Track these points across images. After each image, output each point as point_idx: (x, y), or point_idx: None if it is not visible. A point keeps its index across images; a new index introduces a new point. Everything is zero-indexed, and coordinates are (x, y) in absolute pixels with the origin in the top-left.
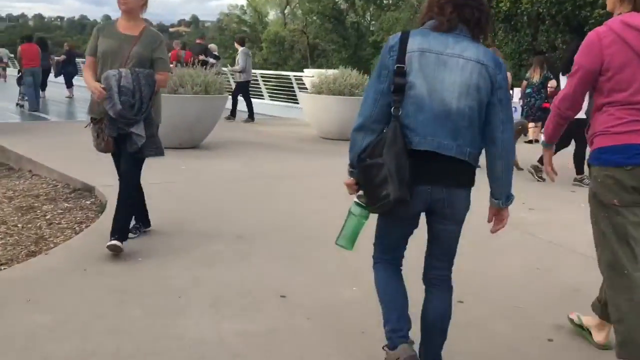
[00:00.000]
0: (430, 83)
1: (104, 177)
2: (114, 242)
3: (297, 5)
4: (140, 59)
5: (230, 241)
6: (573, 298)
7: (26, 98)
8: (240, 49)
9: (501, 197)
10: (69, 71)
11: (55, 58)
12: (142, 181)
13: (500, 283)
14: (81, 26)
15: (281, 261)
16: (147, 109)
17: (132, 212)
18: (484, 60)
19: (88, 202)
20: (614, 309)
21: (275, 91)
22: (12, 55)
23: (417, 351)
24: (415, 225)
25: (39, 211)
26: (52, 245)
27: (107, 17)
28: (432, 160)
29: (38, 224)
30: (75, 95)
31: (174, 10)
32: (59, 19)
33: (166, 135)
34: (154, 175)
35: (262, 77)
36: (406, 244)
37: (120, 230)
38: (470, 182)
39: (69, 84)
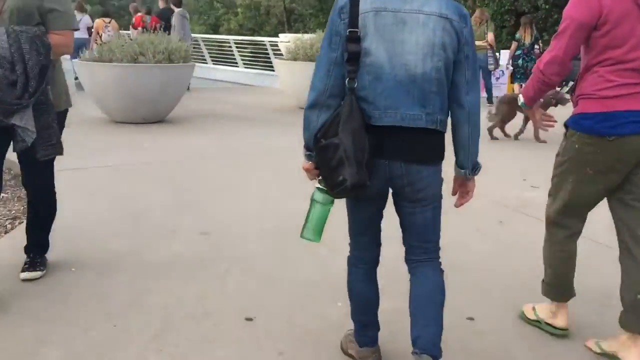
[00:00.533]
0: (389, 47)
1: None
2: (28, 274)
3: None
4: (20, 11)
5: (191, 240)
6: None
7: None
8: (176, 10)
9: (467, 166)
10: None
11: None
12: (93, 163)
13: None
14: None
15: (250, 268)
16: (38, 89)
17: (50, 223)
18: (447, 13)
19: None
20: (547, 255)
21: (250, 59)
22: None
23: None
24: (381, 206)
25: None
26: None
27: None
28: (397, 134)
29: None
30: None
31: None
32: None
33: (128, 110)
34: (110, 155)
35: (235, 43)
36: (379, 233)
37: (36, 246)
38: (442, 156)
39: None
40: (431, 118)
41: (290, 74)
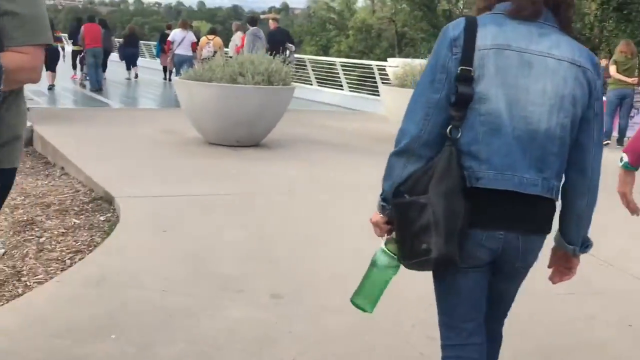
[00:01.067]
0: (510, 94)
1: (135, 182)
2: None
3: None
4: None
5: (258, 304)
6: None
7: (87, 78)
8: (250, 29)
9: (577, 242)
10: (129, 53)
11: (116, 40)
12: (173, 190)
13: None
14: (177, 12)
15: (328, 356)
16: None
17: None
18: (581, 60)
19: (102, 219)
20: None
21: (357, 82)
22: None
23: None
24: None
25: (37, 229)
26: (19, 291)
27: (201, 4)
28: (511, 201)
29: (25, 251)
30: (139, 78)
31: None
32: (157, 5)
33: (223, 131)
34: (193, 182)
35: (342, 66)
36: (482, 313)
37: None
38: (550, 226)
39: (129, 66)
40: (547, 184)
41: (396, 101)
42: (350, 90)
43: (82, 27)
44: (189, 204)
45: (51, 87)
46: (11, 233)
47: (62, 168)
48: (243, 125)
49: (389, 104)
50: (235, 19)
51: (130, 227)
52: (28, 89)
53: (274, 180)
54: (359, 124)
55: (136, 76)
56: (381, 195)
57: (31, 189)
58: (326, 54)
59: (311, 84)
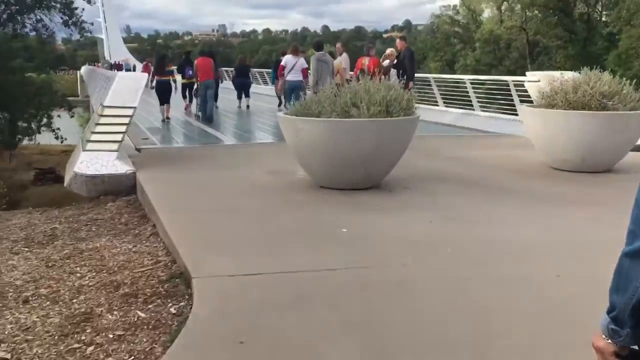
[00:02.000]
0: None
1: (224, 249)
2: None
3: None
4: None
5: None
6: None
7: (200, 109)
8: (316, 54)
9: None
10: (240, 83)
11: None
12: (261, 260)
13: None
14: (302, 37)
15: None
16: None
17: None
18: None
19: (173, 311)
20: None
21: (489, 99)
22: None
23: None
24: None
25: (89, 330)
26: None
27: (325, 28)
28: None
29: None
30: (252, 107)
31: (388, 16)
32: (283, 32)
33: (333, 173)
34: (288, 248)
35: (471, 83)
36: None
37: None
38: None
39: (240, 96)
40: None
41: (543, 125)
42: (482, 110)
43: (195, 62)
44: (279, 287)
45: (165, 120)
46: (57, 337)
47: (154, 226)
48: (358, 166)
49: (533, 128)
50: (358, 40)
51: (197, 332)
52: (144, 125)
53: (396, 243)
54: (496, 151)
55: (248, 107)
56: (610, 313)
57: (109, 258)
58: (451, 68)
59: (437, 104)
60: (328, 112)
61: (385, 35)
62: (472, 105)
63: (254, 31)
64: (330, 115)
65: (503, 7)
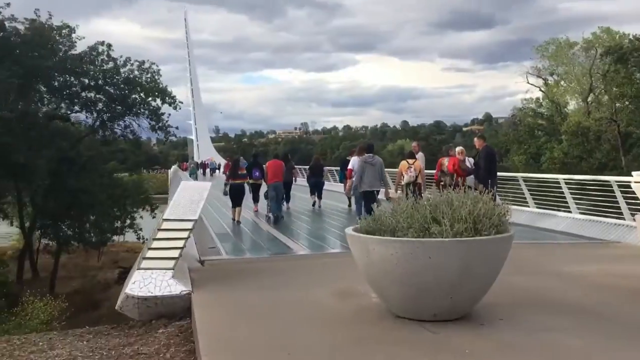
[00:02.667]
0: None
1: None
2: None
3: (603, 91)
4: None
5: None
6: None
7: (270, 211)
8: (365, 155)
9: None
10: (314, 183)
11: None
12: None
13: None
14: (382, 133)
15: None
16: None
17: None
18: None
19: None
20: None
21: (589, 201)
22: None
23: None
24: None
25: None
26: None
27: (404, 123)
28: None
29: None
30: (323, 206)
31: (468, 109)
32: (363, 128)
33: (412, 302)
34: None
35: (566, 183)
36: None
37: None
38: None
39: (313, 194)
40: None
41: None
42: (581, 213)
43: (267, 163)
44: None
45: (236, 222)
46: None
47: None
48: (441, 294)
49: None
50: (438, 134)
51: None
52: (215, 229)
53: None
54: (606, 265)
55: (319, 206)
56: None
57: None
58: (536, 161)
59: (527, 205)
60: (404, 228)
61: (465, 129)
62: (567, 207)
63: (335, 128)
64: (407, 232)
65: (590, 99)
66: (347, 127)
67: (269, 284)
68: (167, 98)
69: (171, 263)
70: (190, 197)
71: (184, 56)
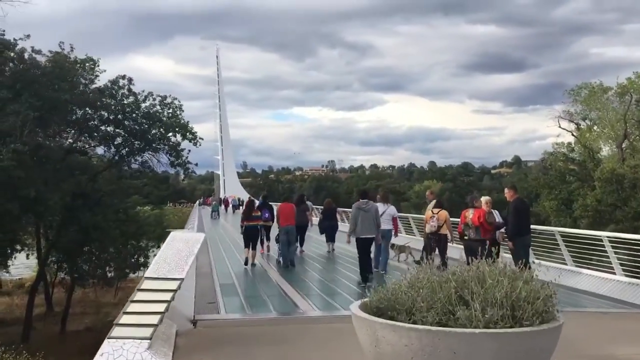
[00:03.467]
0: None
1: None
2: None
3: (638, 137)
4: None
5: None
6: None
7: (281, 255)
8: (360, 201)
9: None
10: (326, 226)
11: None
12: None
13: None
14: (409, 173)
15: None
16: None
17: None
18: None
19: None
20: None
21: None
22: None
23: None
24: None
25: None
26: None
27: (432, 163)
28: None
29: None
30: (336, 250)
31: (496, 152)
32: (390, 168)
33: None
34: None
35: (610, 241)
36: None
37: None
38: None
39: (328, 239)
40: None
41: None
42: (627, 275)
43: (279, 205)
44: None
45: (250, 265)
46: None
47: None
48: None
49: None
50: (465, 175)
51: None
52: (219, 279)
53: None
54: None
55: (333, 249)
56: None
57: None
58: (568, 207)
59: (564, 263)
60: (423, 309)
61: (493, 172)
62: (611, 267)
63: (362, 166)
64: (427, 314)
65: (624, 145)
66: (374, 166)
67: (264, 358)
68: (187, 134)
69: (148, 331)
70: (179, 252)
71: (215, 92)
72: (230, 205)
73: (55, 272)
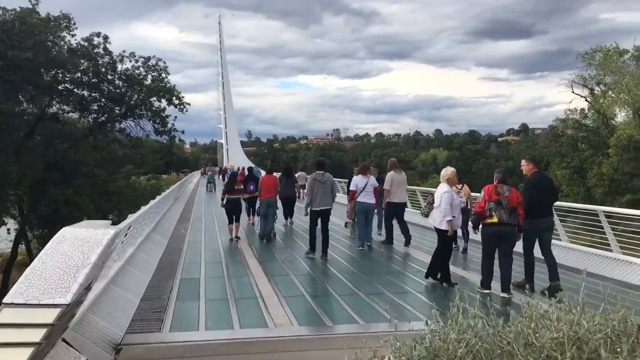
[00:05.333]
0: None
1: None
2: None
3: None
4: None
5: None
6: None
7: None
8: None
9: None
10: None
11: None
12: None
13: None
14: (415, 141)
15: None
16: None
17: None
18: None
19: None
20: None
21: None
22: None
23: None
24: None
25: None
26: None
27: (438, 131)
28: None
29: None
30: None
31: (502, 120)
32: (396, 136)
33: None
34: None
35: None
36: None
37: None
38: None
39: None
40: None
41: None
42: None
43: (261, 178)
44: None
45: (234, 239)
46: None
47: None
48: None
49: None
50: (472, 143)
51: None
52: (182, 272)
53: None
54: None
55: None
56: None
57: None
58: (581, 176)
59: (609, 249)
60: None
61: (500, 139)
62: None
63: (367, 135)
64: None
65: None
66: (380, 135)
67: None
68: (173, 99)
69: None
70: (65, 260)
71: (219, 60)
72: (228, 174)
73: (37, 248)
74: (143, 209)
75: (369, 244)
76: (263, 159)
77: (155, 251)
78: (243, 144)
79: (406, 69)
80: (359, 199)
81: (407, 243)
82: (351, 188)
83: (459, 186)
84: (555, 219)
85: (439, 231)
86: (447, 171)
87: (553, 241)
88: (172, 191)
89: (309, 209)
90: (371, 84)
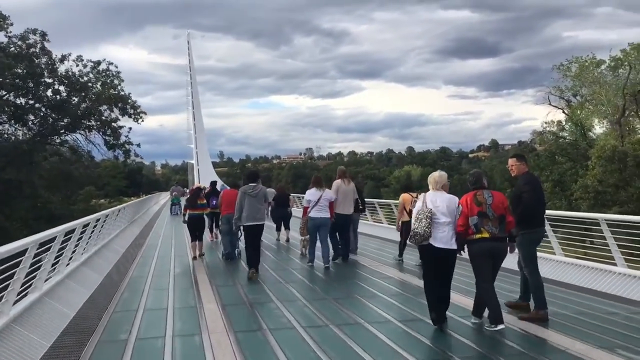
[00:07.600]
0: None
1: None
2: None
3: (634, 112)
4: None
5: None
6: None
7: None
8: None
9: None
10: (279, 214)
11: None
12: None
13: None
14: (387, 159)
15: None
16: None
17: None
18: None
19: None
20: None
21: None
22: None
23: None
24: None
25: None
26: None
27: (410, 149)
28: None
29: None
30: (291, 240)
31: (473, 136)
32: (369, 154)
33: None
34: None
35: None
36: None
37: None
38: None
39: (279, 228)
40: None
41: None
42: (630, 267)
43: (221, 193)
44: None
45: (198, 257)
46: None
47: None
48: None
49: None
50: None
51: None
52: (131, 288)
53: None
54: None
55: (287, 240)
56: None
57: None
58: (563, 189)
59: (612, 262)
60: None
61: (471, 155)
62: (611, 258)
63: (340, 153)
64: None
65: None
66: (352, 153)
67: None
68: (128, 108)
69: None
70: None
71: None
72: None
73: None
74: (58, 228)
75: (327, 265)
76: (236, 179)
77: (73, 296)
78: (215, 164)
79: (377, 88)
80: (310, 214)
81: (344, 258)
82: (303, 204)
83: (414, 194)
84: (548, 230)
85: (449, 254)
86: (443, 177)
87: (546, 255)
88: (122, 210)
89: (239, 225)
90: (343, 103)
